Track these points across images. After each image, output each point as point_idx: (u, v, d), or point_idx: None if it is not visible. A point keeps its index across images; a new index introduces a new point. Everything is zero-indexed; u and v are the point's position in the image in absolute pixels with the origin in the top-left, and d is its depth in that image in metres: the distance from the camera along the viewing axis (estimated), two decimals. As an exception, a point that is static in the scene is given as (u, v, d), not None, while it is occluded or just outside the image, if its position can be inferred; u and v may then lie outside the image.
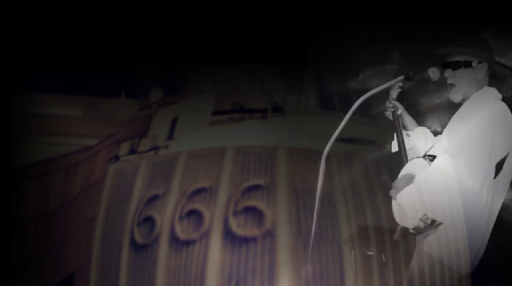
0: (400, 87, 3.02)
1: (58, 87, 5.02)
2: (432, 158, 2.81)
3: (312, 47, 4.54)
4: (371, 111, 4.23)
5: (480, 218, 2.72)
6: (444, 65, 2.94)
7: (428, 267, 2.79)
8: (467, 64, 2.89)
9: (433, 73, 2.97)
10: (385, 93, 3.00)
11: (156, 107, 5.20)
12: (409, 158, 2.93)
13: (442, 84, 3.04)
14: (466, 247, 2.70)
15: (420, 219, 2.73)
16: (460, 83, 2.90)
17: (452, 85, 2.92)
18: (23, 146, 4.88)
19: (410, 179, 2.78)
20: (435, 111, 4.00)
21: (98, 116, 5.19)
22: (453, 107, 3.08)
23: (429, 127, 3.22)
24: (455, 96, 2.92)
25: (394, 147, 3.10)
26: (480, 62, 2.89)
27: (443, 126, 3.23)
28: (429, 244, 2.78)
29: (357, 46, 4.45)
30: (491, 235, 2.79)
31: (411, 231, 2.81)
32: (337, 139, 2.93)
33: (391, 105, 3.01)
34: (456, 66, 2.90)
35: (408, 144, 3.01)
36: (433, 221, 2.73)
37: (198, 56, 4.69)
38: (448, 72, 2.91)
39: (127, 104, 5.21)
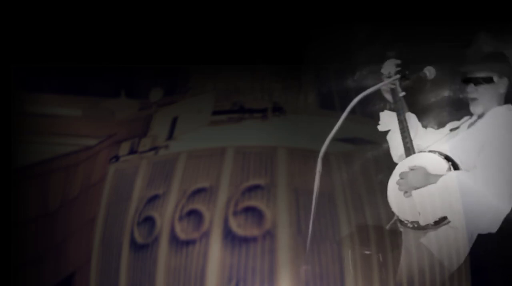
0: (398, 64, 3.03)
1: (58, 87, 5.02)
2: (444, 156, 2.81)
3: (311, 47, 4.54)
4: (370, 110, 4.23)
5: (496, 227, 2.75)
6: (466, 81, 2.96)
7: (428, 267, 2.79)
8: (489, 80, 2.92)
9: (429, 72, 2.98)
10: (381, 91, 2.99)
11: (156, 107, 5.20)
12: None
13: (438, 82, 3.06)
14: (466, 247, 2.71)
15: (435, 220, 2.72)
16: (482, 97, 2.94)
17: (474, 99, 2.94)
18: (23, 146, 4.88)
19: (429, 175, 2.76)
20: (432, 109, 4.00)
21: (98, 116, 5.19)
22: (449, 106, 3.09)
23: (425, 127, 3.23)
24: (477, 109, 2.96)
25: (386, 126, 3.09)
26: (500, 77, 2.91)
27: (439, 124, 3.23)
28: (429, 243, 2.78)
29: (357, 46, 4.45)
30: (499, 237, 2.80)
31: (409, 225, 2.80)
32: (336, 139, 2.93)
33: (392, 80, 3.00)
34: (478, 81, 2.94)
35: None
36: (436, 223, 2.72)
37: (198, 56, 4.69)
38: (470, 88, 2.95)
39: (127, 104, 5.21)
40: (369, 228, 4.30)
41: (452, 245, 2.73)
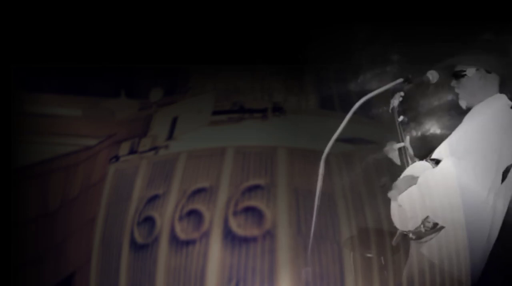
0: (402, 96, 3.05)
1: (58, 87, 5.02)
2: (435, 161, 2.82)
3: (311, 47, 4.54)
4: (370, 112, 4.23)
5: (484, 221, 2.73)
6: (452, 75, 2.98)
7: (428, 267, 2.79)
8: (461, 74, 2.94)
9: (432, 76, 3.00)
10: (385, 94, 3.01)
11: (156, 107, 5.21)
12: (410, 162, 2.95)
13: (441, 86, 3.07)
14: (466, 248, 2.70)
15: (422, 222, 2.72)
16: (462, 92, 2.96)
17: (457, 93, 2.99)
18: (23, 146, 4.88)
19: (412, 179, 2.78)
20: (435, 113, 4.02)
21: (98, 116, 5.19)
22: (452, 109, 3.11)
23: (428, 129, 3.24)
24: (461, 103, 2.98)
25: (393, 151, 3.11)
26: (477, 70, 2.90)
27: (443, 128, 3.25)
28: (429, 246, 2.78)
29: (357, 46, 4.45)
30: (500, 239, 2.79)
31: (410, 236, 2.80)
32: (336, 139, 2.93)
33: (395, 83, 3.01)
34: (457, 75, 2.96)
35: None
36: (434, 225, 2.72)
37: (198, 56, 4.69)
38: (453, 82, 2.99)
39: (127, 104, 5.22)
40: (370, 231, 4.31)
41: (452, 247, 2.72)
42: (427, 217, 2.72)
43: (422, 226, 2.74)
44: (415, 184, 2.76)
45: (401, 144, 3.02)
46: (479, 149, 2.71)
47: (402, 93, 3.09)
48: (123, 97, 5.21)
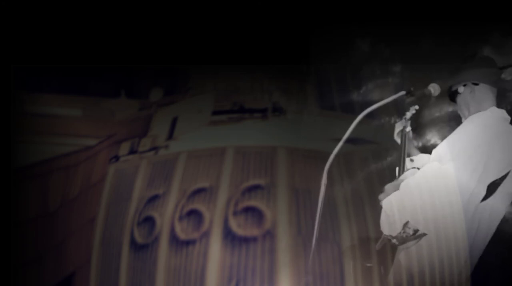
0: (416, 110, 3.04)
1: (58, 87, 5.03)
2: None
3: (312, 47, 4.54)
4: (371, 115, 4.23)
5: (468, 225, 2.73)
6: (449, 98, 3.04)
7: (428, 267, 2.79)
8: (454, 93, 2.98)
9: (434, 89, 2.99)
10: (385, 106, 3.00)
11: (156, 107, 5.21)
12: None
13: (442, 98, 3.07)
14: (466, 248, 2.70)
15: (403, 228, 2.70)
16: (460, 109, 3.00)
17: (459, 113, 3.02)
18: (23, 146, 4.88)
19: (399, 185, 2.78)
20: (436, 124, 4.03)
21: (98, 116, 5.19)
22: (453, 121, 3.10)
23: (429, 140, 3.24)
24: (463, 120, 2.99)
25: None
26: (465, 85, 2.92)
27: (443, 139, 3.24)
28: (429, 247, 2.77)
29: (357, 47, 4.45)
30: (491, 246, 2.80)
31: (393, 241, 2.78)
32: (336, 139, 2.93)
33: (397, 96, 3.01)
34: (451, 96, 3.01)
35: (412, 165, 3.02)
36: (415, 232, 2.71)
37: (198, 56, 4.69)
38: (454, 104, 3.03)
39: (127, 104, 5.22)
40: (371, 240, 4.31)
41: (452, 248, 2.72)
42: (407, 222, 2.70)
43: (402, 231, 2.72)
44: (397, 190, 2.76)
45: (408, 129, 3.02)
46: (460, 157, 2.71)
47: (417, 107, 3.08)
48: (123, 97, 5.21)
